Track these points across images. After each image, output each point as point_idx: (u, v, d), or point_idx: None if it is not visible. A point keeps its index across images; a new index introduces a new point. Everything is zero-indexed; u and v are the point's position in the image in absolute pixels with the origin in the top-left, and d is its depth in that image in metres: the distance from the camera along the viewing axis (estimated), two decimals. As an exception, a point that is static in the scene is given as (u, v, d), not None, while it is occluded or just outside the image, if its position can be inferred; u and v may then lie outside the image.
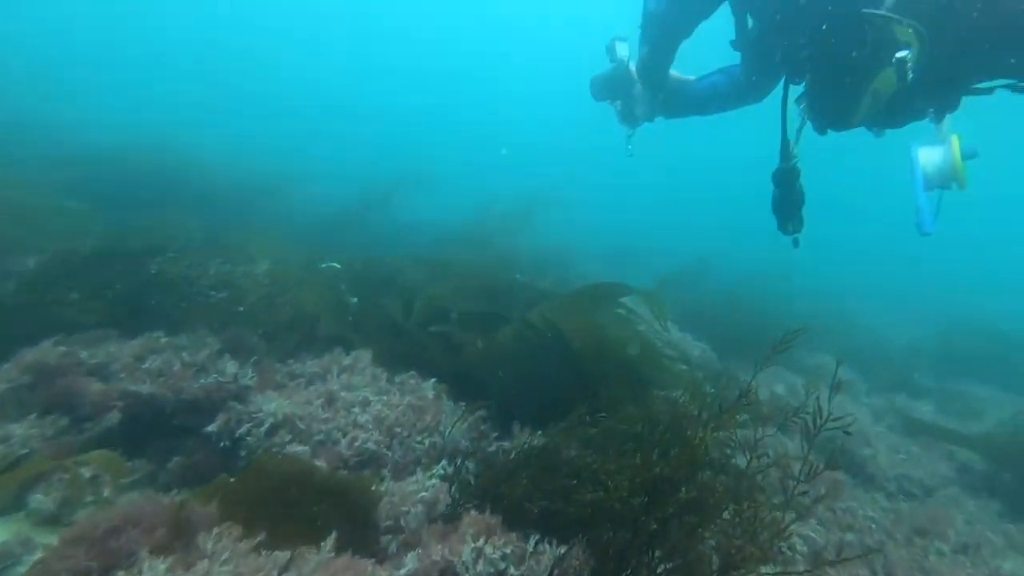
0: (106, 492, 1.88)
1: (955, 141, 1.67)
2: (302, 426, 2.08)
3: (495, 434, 2.19)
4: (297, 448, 2.03)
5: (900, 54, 1.58)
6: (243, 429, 2.07)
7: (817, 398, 1.44)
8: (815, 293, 7.07)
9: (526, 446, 1.66)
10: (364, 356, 2.59)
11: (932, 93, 1.69)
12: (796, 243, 2.05)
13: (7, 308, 2.53)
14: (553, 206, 8.78)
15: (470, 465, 1.92)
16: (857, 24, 1.66)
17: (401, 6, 29.52)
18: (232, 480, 1.76)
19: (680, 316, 4.02)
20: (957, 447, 3.37)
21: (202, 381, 2.16)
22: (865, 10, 1.63)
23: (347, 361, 2.49)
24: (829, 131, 1.98)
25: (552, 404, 2.19)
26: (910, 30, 1.57)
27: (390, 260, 4.24)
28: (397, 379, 2.49)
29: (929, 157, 1.70)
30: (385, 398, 2.29)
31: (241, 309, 2.68)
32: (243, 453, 2.03)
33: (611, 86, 2.47)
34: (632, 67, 2.43)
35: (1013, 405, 4.36)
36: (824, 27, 1.74)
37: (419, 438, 2.10)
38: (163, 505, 1.58)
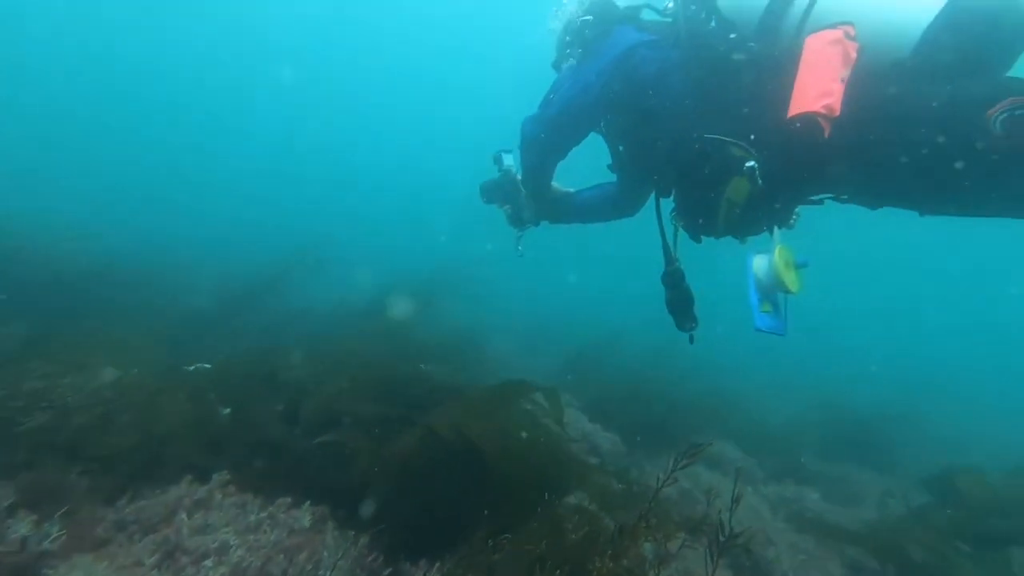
0: None
1: (777, 252, 1.87)
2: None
3: (388, 570, 1.83)
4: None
5: (749, 164, 1.83)
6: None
7: (720, 514, 1.35)
8: (711, 366, 7.48)
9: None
10: (229, 483, 2.13)
11: (778, 202, 1.97)
12: (691, 339, 2.23)
13: None
14: (466, 282, 8.69)
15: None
16: (702, 147, 1.97)
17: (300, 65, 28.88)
18: None
19: (590, 402, 3.97)
20: (847, 544, 3.51)
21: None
22: (706, 135, 1.95)
23: (202, 493, 2.03)
24: (702, 238, 2.22)
25: (458, 522, 1.91)
26: (742, 150, 1.88)
27: (276, 355, 3.79)
28: (271, 508, 2.05)
29: (760, 265, 1.92)
30: (252, 537, 1.86)
31: (60, 439, 2.12)
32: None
33: (499, 192, 2.68)
34: (518, 176, 2.66)
35: (882, 485, 4.78)
36: (678, 150, 2.05)
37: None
38: None
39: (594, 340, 7.20)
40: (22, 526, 1.69)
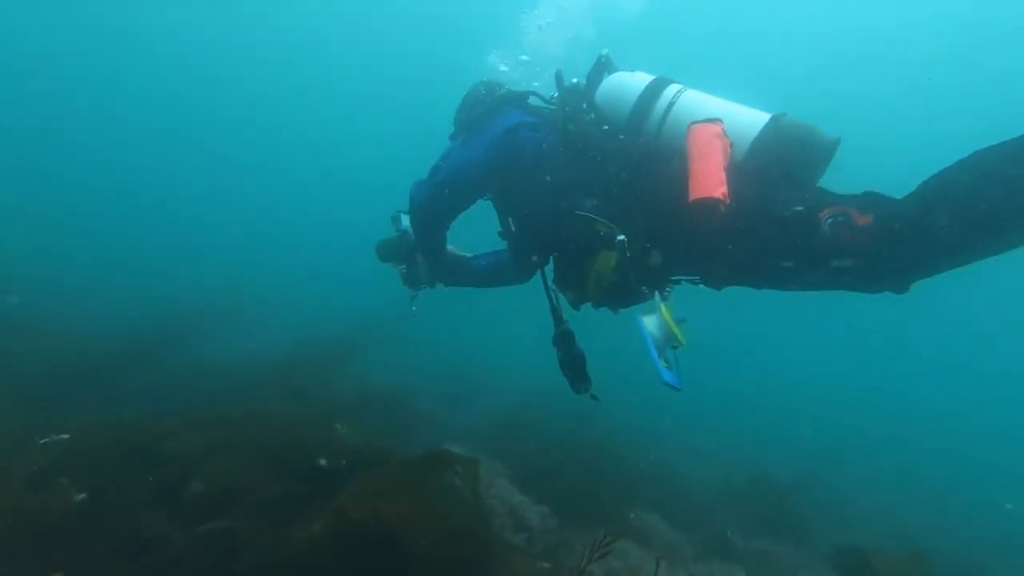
0: None
1: (663, 308, 2.03)
2: None
3: None
4: None
5: (620, 237, 2.01)
6: None
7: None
8: (631, 430, 7.56)
9: None
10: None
11: (645, 275, 2.14)
12: (594, 397, 2.30)
13: None
14: (387, 340, 8.27)
15: None
16: (572, 223, 2.16)
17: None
18: None
19: (520, 469, 3.77)
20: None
21: None
22: (577, 211, 2.15)
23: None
24: (579, 305, 2.38)
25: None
26: (608, 228, 2.07)
27: (161, 420, 3.26)
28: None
29: (650, 322, 2.04)
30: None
31: None
32: None
33: (395, 252, 2.75)
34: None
35: (797, 564, 4.91)
36: (551, 224, 2.24)
37: None
38: None
39: (524, 396, 7.03)
40: None
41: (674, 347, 2.04)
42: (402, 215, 2.76)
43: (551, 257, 2.41)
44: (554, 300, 2.39)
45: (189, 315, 6.96)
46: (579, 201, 2.16)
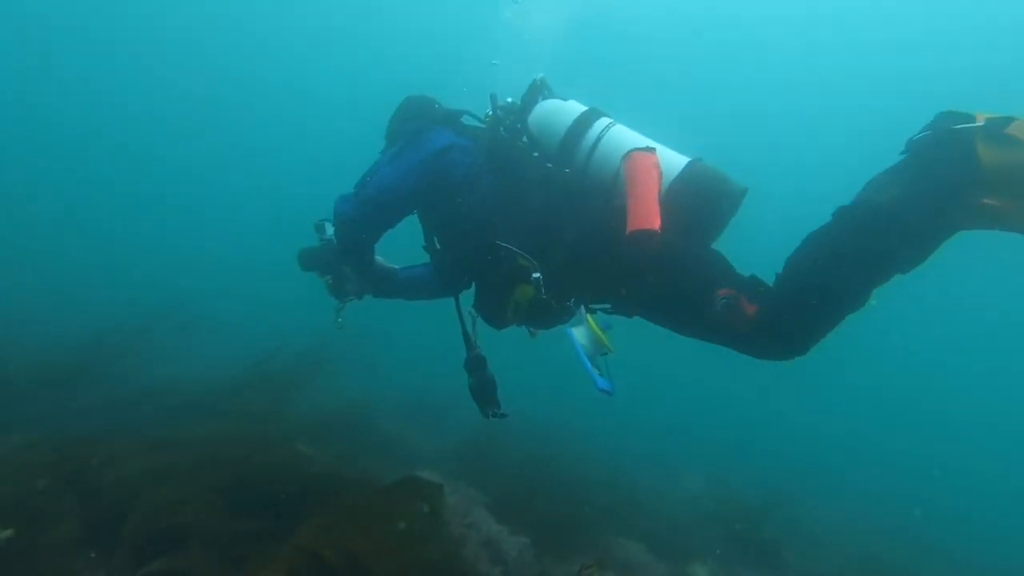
0: None
1: (590, 320, 2.09)
2: None
3: None
4: None
5: (536, 275, 2.07)
6: None
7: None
8: (601, 448, 7.54)
9: None
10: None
11: (562, 304, 2.21)
12: (503, 415, 2.36)
13: None
14: (350, 354, 8.01)
15: None
16: (493, 252, 2.18)
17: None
18: None
19: (496, 497, 3.65)
20: None
21: None
22: (498, 242, 2.18)
23: None
24: (494, 328, 2.42)
25: None
26: (528, 261, 2.12)
27: (100, 445, 3.00)
28: None
29: (580, 333, 2.09)
30: None
31: None
32: None
33: (319, 262, 2.66)
34: None
35: None
36: (475, 251, 2.25)
37: None
38: None
39: (492, 423, 6.89)
40: None
41: (604, 354, 2.10)
42: (326, 223, 2.68)
43: (470, 280, 2.43)
44: (465, 325, 2.40)
45: (137, 329, 6.57)
46: (501, 230, 2.18)
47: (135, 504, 2.35)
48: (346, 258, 2.58)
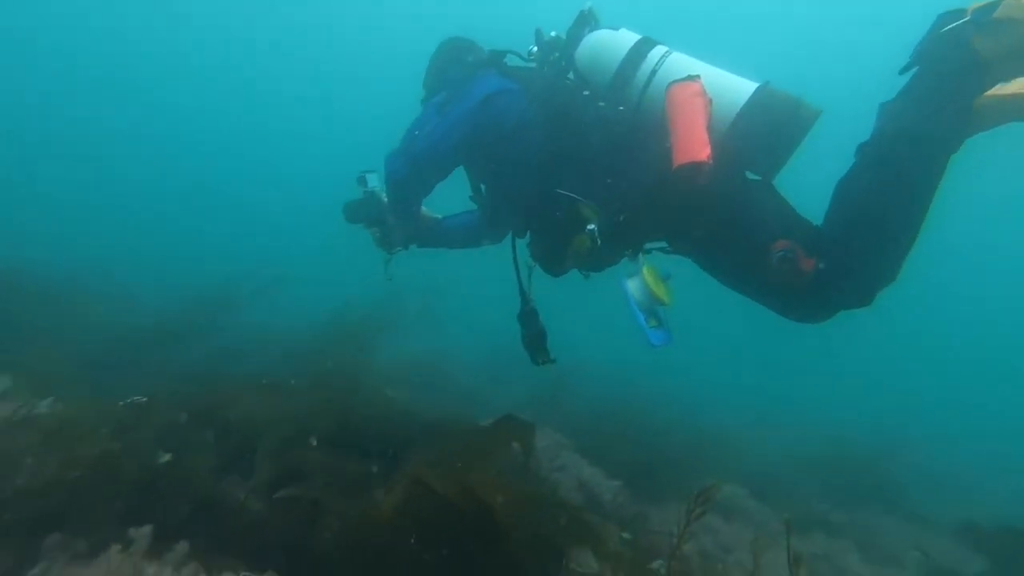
0: None
1: (646, 272, 2.09)
2: None
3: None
4: None
5: (590, 226, 2.05)
6: None
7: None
8: (682, 399, 7.43)
9: None
10: (170, 553, 1.80)
11: (619, 249, 2.21)
12: (553, 361, 2.44)
13: None
14: (418, 311, 8.38)
15: None
16: (553, 199, 2.14)
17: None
18: None
19: (581, 442, 3.75)
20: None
21: None
22: (558, 190, 2.13)
23: (133, 568, 1.69)
24: (552, 275, 2.43)
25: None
26: (590, 209, 2.08)
27: (221, 390, 3.40)
28: (221, 585, 1.74)
29: (633, 286, 2.11)
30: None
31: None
32: None
33: (364, 214, 2.70)
34: (384, 198, 2.71)
35: (912, 537, 4.47)
36: (531, 200, 2.24)
37: None
38: None
39: (561, 370, 7.02)
40: None
41: (661, 306, 2.10)
42: (368, 175, 2.70)
43: (524, 229, 2.42)
44: (521, 275, 2.42)
45: (227, 293, 7.18)
46: (557, 177, 2.14)
47: (260, 441, 2.68)
48: (394, 211, 2.62)
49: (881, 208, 1.70)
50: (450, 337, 8.82)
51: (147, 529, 1.88)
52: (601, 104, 2.13)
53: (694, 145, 1.75)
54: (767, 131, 1.88)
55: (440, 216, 2.84)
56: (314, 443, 2.55)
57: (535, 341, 2.44)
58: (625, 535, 2.04)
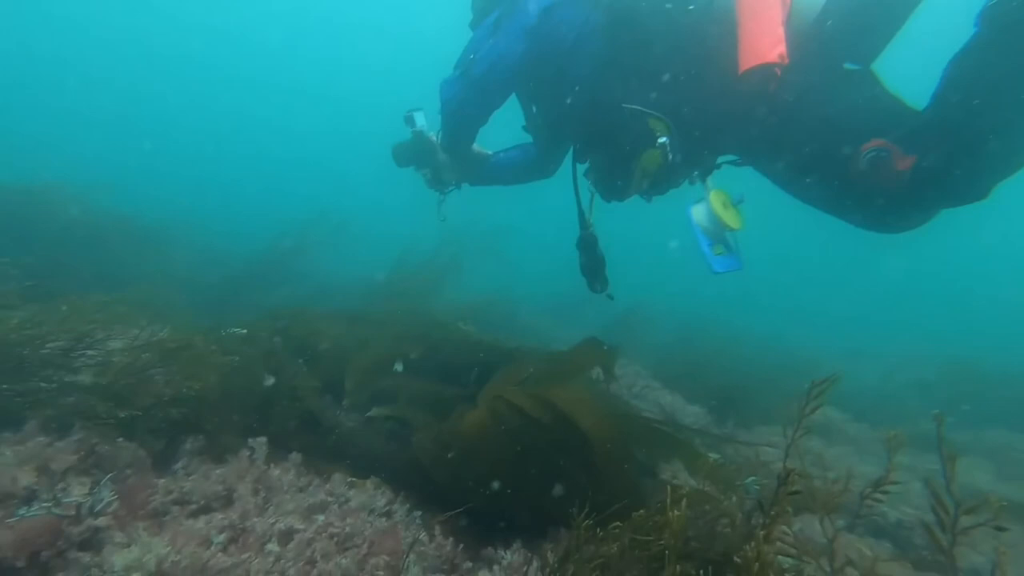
0: None
1: (713, 196, 2.04)
2: (191, 579, 1.48)
3: (468, 564, 1.72)
4: (184, 614, 1.43)
5: (662, 139, 1.95)
6: (94, 595, 1.43)
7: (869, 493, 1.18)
8: (761, 334, 7.19)
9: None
10: (285, 462, 2.02)
11: (690, 163, 2.11)
12: (610, 297, 2.41)
13: None
14: (481, 255, 8.51)
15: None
16: (620, 116, 2.03)
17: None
18: None
19: (658, 371, 3.74)
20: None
21: (22, 516, 1.50)
22: (625, 104, 2.01)
23: (260, 473, 1.92)
24: (613, 200, 2.36)
25: (543, 507, 1.78)
26: (659, 122, 1.97)
27: (307, 322, 3.66)
28: (329, 489, 1.95)
29: (699, 213, 2.06)
30: (321, 519, 1.75)
31: (100, 398, 2.02)
32: (95, 634, 1.39)
33: (414, 155, 2.66)
34: (433, 136, 2.67)
35: None
36: (596, 117, 2.13)
37: None
38: None
39: (631, 306, 6.95)
40: (75, 488, 1.60)
41: (730, 231, 2.03)
42: (415, 113, 2.65)
43: (586, 151, 2.32)
44: (582, 202, 2.36)
45: (299, 242, 7.53)
46: (623, 91, 2.03)
47: (344, 366, 2.88)
48: (449, 145, 2.56)
49: (1004, 82, 1.45)
50: (509, 279, 8.93)
51: (263, 439, 2.13)
52: (668, 6, 1.98)
53: (763, 45, 1.61)
54: (865, 6, 1.67)
55: (490, 152, 2.77)
56: (399, 368, 2.71)
57: (594, 268, 2.42)
58: (715, 456, 2.06)
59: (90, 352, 2.29)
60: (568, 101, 2.22)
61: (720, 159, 2.18)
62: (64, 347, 2.23)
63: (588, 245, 2.40)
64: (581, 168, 2.43)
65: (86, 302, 2.61)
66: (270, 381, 2.48)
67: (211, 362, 2.44)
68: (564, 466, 1.71)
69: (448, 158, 2.63)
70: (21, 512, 1.48)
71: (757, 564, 1.06)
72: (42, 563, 1.44)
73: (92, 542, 1.54)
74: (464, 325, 3.82)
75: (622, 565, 1.23)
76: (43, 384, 2.10)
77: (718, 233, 2.06)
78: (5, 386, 1.96)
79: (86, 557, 1.48)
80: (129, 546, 1.53)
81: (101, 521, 1.58)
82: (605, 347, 2.29)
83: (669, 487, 1.41)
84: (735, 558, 1.14)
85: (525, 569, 1.50)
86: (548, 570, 1.34)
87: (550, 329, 6.63)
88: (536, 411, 1.82)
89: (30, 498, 1.61)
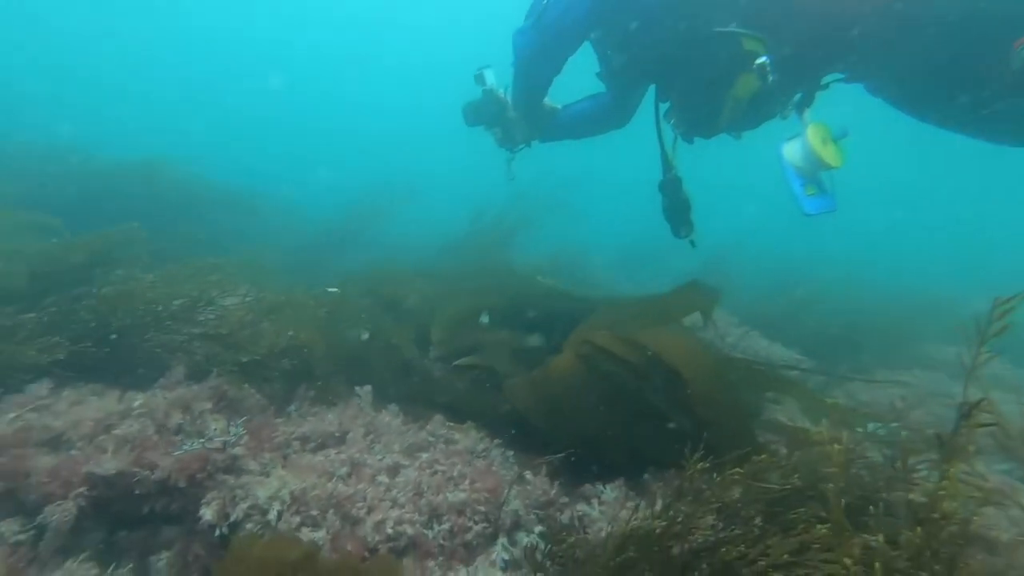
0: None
1: (810, 131, 1.91)
2: (314, 505, 1.68)
3: (565, 499, 1.81)
4: (311, 534, 1.64)
5: (760, 60, 1.82)
6: (239, 513, 1.68)
7: None
8: (871, 280, 6.69)
9: (633, 522, 1.28)
10: (386, 407, 2.20)
11: (782, 92, 1.96)
12: (693, 244, 2.35)
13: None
14: (550, 211, 8.46)
15: (542, 544, 1.55)
16: (709, 43, 1.92)
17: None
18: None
19: (748, 317, 3.61)
20: None
21: (182, 451, 1.76)
22: (716, 29, 1.89)
23: (367, 416, 2.10)
24: (696, 139, 2.29)
25: (639, 451, 1.82)
26: (756, 41, 1.84)
27: (389, 282, 3.86)
28: (430, 430, 2.10)
29: (792, 150, 1.95)
30: (424, 455, 1.90)
31: (223, 348, 2.28)
32: (243, 545, 1.64)
33: (484, 113, 2.66)
34: (503, 94, 2.65)
35: None
36: (679, 50, 2.02)
37: (466, 510, 1.72)
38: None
39: (711, 255, 6.70)
40: (216, 425, 1.86)
41: (827, 169, 1.91)
42: (485, 71, 2.64)
43: (670, 89, 2.25)
44: (665, 143, 2.29)
45: (375, 204, 7.81)
46: (714, 16, 1.91)
47: (430, 319, 3.03)
48: (519, 99, 2.55)
49: None
50: (581, 232, 8.84)
51: (368, 388, 2.32)
52: None
53: None
54: None
55: (560, 106, 2.74)
56: (485, 320, 2.82)
57: (678, 211, 2.35)
58: (830, 399, 1.99)
59: (210, 308, 2.57)
60: (648, 37, 2.12)
61: (826, 78, 2.03)
62: (188, 304, 2.51)
63: (672, 188, 2.34)
64: (661, 112, 2.36)
65: (201, 263, 2.91)
66: (365, 335, 2.67)
67: (313, 315, 2.66)
68: (663, 410, 1.73)
69: (518, 115, 2.64)
70: (185, 447, 1.73)
71: (943, 506, 0.98)
72: (197, 483, 1.69)
73: (233, 468, 1.78)
74: (543, 278, 3.86)
75: (741, 505, 1.24)
76: (176, 336, 2.39)
77: (812, 172, 1.96)
78: (150, 335, 2.26)
79: (230, 479, 1.73)
80: (264, 475, 1.76)
81: (238, 451, 1.82)
82: (707, 290, 2.22)
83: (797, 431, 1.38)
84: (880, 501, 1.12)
85: (627, 505, 1.56)
86: (657, 507, 1.36)
87: (623, 282, 6.55)
88: (628, 353, 1.84)
89: (178, 432, 1.89)
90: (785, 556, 1.06)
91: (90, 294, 2.36)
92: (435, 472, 1.82)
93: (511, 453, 2.04)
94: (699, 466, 1.25)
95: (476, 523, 1.69)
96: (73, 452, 1.79)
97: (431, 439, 2.03)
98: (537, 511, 1.74)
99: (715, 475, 1.25)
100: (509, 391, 2.21)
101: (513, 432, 2.13)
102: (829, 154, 1.90)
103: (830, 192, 1.98)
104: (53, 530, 1.60)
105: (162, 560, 1.65)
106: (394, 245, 6.77)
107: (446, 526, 1.67)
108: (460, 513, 1.69)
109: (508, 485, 1.74)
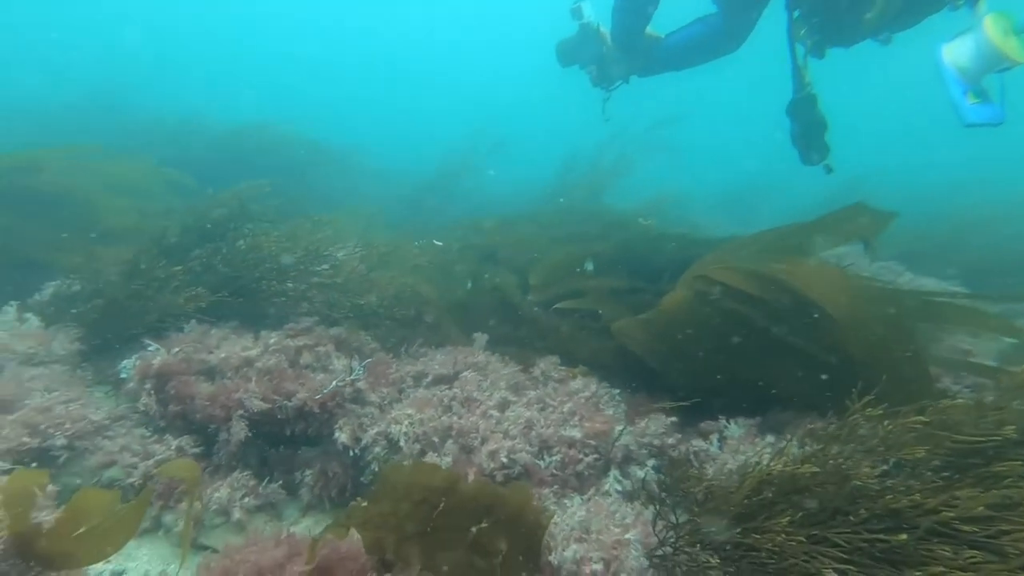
0: (236, 515, 1.77)
1: (988, 21, 1.66)
2: (433, 434, 1.82)
3: (678, 435, 1.80)
4: (435, 460, 1.79)
5: None
6: (368, 438, 1.87)
7: None
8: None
9: (771, 460, 1.23)
10: (491, 349, 2.30)
11: None
12: (828, 169, 2.14)
13: (118, 301, 2.48)
14: (647, 152, 8.06)
15: (659, 477, 1.57)
16: None
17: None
18: (365, 504, 1.53)
19: (888, 249, 3.26)
20: None
21: (315, 383, 1.97)
22: None
23: (479, 357, 2.21)
24: (831, 49, 2.11)
25: (762, 392, 1.75)
26: None
27: (487, 231, 3.93)
28: (536, 372, 2.17)
29: (958, 50, 1.73)
30: (531, 393, 1.98)
31: (340, 295, 2.49)
32: (373, 466, 1.84)
33: (580, 50, 2.57)
34: (600, 28, 2.54)
35: None
36: None
37: (576, 443, 1.77)
38: (298, 543, 1.39)
39: (840, 185, 6.05)
40: (341, 363, 2.07)
41: (1004, 69, 1.68)
42: (582, 4, 2.53)
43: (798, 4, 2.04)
44: (796, 56, 2.08)
45: (465, 159, 7.89)
46: None
47: (529, 266, 3.06)
48: (620, 32, 2.46)
49: None
50: (681, 176, 8.38)
51: (480, 334, 2.42)
52: None
53: None
54: None
55: (663, 35, 2.55)
56: (589, 267, 2.80)
57: (812, 133, 2.12)
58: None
59: (325, 259, 2.79)
60: None
61: None
62: (306, 256, 2.74)
63: (805, 108, 2.13)
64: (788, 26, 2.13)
65: (317, 218, 3.15)
66: (468, 284, 2.77)
67: (419, 263, 2.80)
68: (800, 348, 1.64)
69: (617, 48, 2.53)
70: (326, 389, 1.94)
71: None
72: (329, 410, 1.90)
73: (357, 398, 1.98)
74: (644, 220, 3.74)
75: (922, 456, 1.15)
76: (300, 285, 2.63)
77: (979, 76, 1.72)
78: (275, 284, 2.51)
79: (356, 408, 1.93)
80: (384, 406, 1.93)
81: (361, 385, 2.00)
82: (875, 213, 2.00)
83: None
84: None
85: (754, 442, 1.52)
86: (806, 448, 1.30)
87: (727, 223, 6.17)
88: (756, 289, 1.75)
89: (308, 366, 2.11)
90: (981, 509, 0.99)
91: (226, 247, 2.65)
92: (544, 407, 1.88)
93: (617, 391, 2.05)
94: (867, 411, 1.18)
95: (587, 455, 1.74)
96: (225, 381, 2.07)
97: (539, 378, 2.09)
98: (649, 446, 1.75)
99: (885, 421, 1.17)
100: (620, 331, 2.19)
101: (621, 372, 2.13)
102: (1012, 47, 1.68)
103: (995, 101, 1.75)
104: (233, 443, 1.89)
105: (307, 475, 1.88)
106: (493, 194, 6.89)
107: (557, 457, 1.73)
108: (571, 446, 1.74)
109: (617, 421, 1.76)
